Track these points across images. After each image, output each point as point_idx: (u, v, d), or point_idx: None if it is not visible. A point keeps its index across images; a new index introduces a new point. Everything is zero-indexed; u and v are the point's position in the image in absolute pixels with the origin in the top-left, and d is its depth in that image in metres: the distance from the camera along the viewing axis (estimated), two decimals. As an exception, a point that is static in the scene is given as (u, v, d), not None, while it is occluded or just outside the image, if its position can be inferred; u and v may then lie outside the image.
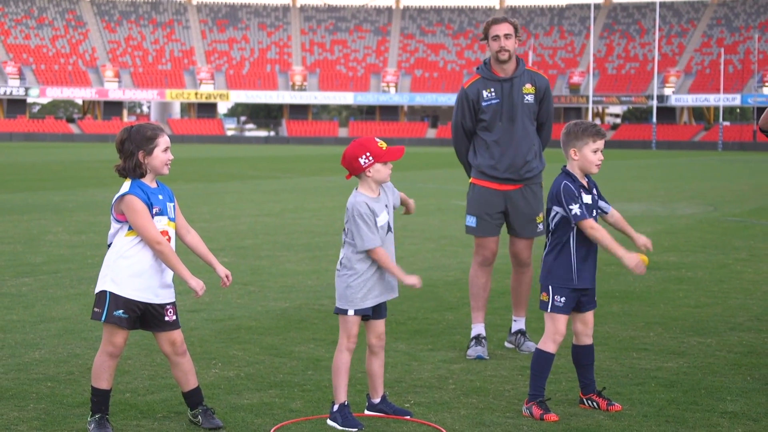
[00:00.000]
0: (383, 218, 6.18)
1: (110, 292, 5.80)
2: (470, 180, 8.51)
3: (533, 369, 6.49)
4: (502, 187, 8.30)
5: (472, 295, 8.47)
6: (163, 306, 5.91)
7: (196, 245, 6.11)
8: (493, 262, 8.48)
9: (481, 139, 8.33)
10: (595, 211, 6.49)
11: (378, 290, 6.19)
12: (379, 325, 6.32)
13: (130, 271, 5.80)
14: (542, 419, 6.28)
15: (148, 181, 5.89)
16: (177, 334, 5.98)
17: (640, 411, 6.46)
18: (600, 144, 6.43)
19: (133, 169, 5.85)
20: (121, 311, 5.80)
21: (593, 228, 6.34)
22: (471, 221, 8.43)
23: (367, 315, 6.21)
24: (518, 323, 8.47)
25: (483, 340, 8.17)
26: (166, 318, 5.93)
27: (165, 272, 5.90)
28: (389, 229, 6.24)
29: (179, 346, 5.99)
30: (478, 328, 8.27)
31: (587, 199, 6.43)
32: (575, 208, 6.33)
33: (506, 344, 8.45)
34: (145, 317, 5.90)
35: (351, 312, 6.17)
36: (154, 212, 5.81)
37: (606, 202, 6.64)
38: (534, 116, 8.33)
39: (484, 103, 8.22)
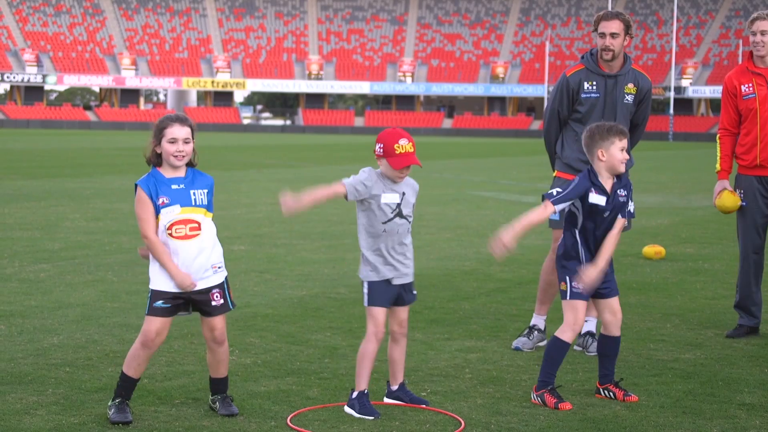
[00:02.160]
0: (391, 198, 6.16)
1: (151, 289, 5.90)
2: (555, 173, 8.14)
3: (547, 356, 6.51)
4: None
5: (541, 288, 8.18)
6: (207, 290, 5.94)
7: None
8: None
9: (573, 131, 8.01)
10: (607, 212, 6.43)
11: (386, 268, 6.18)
12: (401, 312, 6.32)
13: (158, 263, 5.87)
14: (557, 408, 6.29)
15: (169, 171, 5.91)
16: (219, 321, 5.99)
17: (657, 402, 6.46)
18: (625, 142, 6.45)
19: (151, 158, 5.93)
20: (161, 302, 5.87)
21: (545, 207, 6.36)
22: (555, 214, 8.16)
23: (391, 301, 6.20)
24: (588, 324, 8.04)
25: (535, 332, 8.05)
26: (213, 303, 5.97)
27: (207, 257, 5.91)
28: (399, 213, 6.19)
29: (219, 335, 6.01)
30: (538, 319, 8.13)
31: (598, 200, 6.40)
32: (554, 189, 6.44)
33: (576, 347, 7.99)
34: (192, 302, 5.95)
35: (365, 290, 6.15)
36: (159, 202, 5.84)
37: (624, 213, 6.53)
38: (630, 116, 8.06)
39: (583, 95, 7.93)
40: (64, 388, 6.51)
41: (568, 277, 6.48)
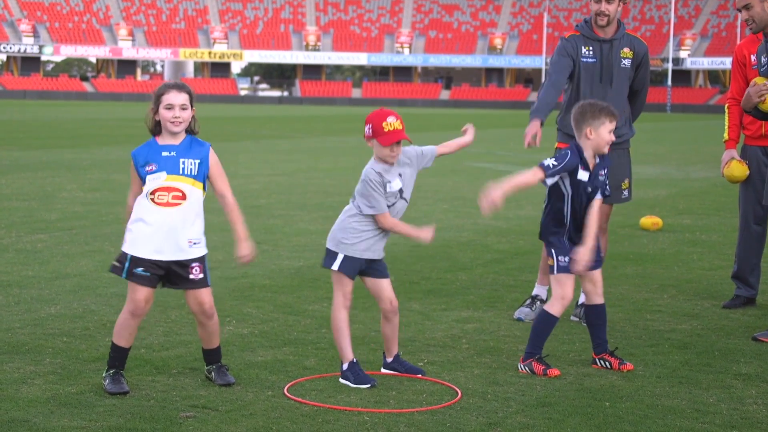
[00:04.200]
0: (395, 185, 6.17)
1: (129, 254, 5.86)
2: (556, 144, 8.09)
3: (535, 328, 6.54)
4: None
5: (543, 257, 8.13)
6: (187, 263, 5.91)
7: (228, 212, 6.04)
8: None
9: (573, 97, 7.99)
10: (589, 188, 6.44)
11: (371, 250, 6.19)
12: (385, 289, 6.29)
13: (146, 231, 5.83)
14: (545, 374, 6.34)
15: (166, 138, 5.91)
16: (205, 294, 5.97)
17: (654, 372, 6.47)
18: (614, 125, 6.44)
19: (152, 126, 5.94)
20: (140, 269, 5.84)
21: (534, 175, 6.34)
22: (546, 183, 8.01)
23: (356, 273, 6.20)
24: (583, 296, 7.91)
25: (538, 303, 8.03)
26: (191, 276, 5.92)
27: (187, 229, 5.88)
28: (401, 196, 6.21)
29: (208, 308, 5.98)
30: (540, 289, 8.14)
31: (583, 176, 6.42)
32: (550, 161, 6.39)
33: (572, 318, 7.98)
34: (169, 275, 5.91)
35: (339, 259, 6.14)
36: (147, 169, 5.83)
37: (602, 194, 6.53)
38: (629, 81, 8.08)
39: (582, 59, 7.96)
40: (62, 358, 6.52)
41: (554, 251, 6.50)
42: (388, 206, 6.16)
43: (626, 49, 8.03)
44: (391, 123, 6.09)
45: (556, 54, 8.09)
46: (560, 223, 6.51)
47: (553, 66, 8.08)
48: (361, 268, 6.23)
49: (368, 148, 6.21)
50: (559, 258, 6.49)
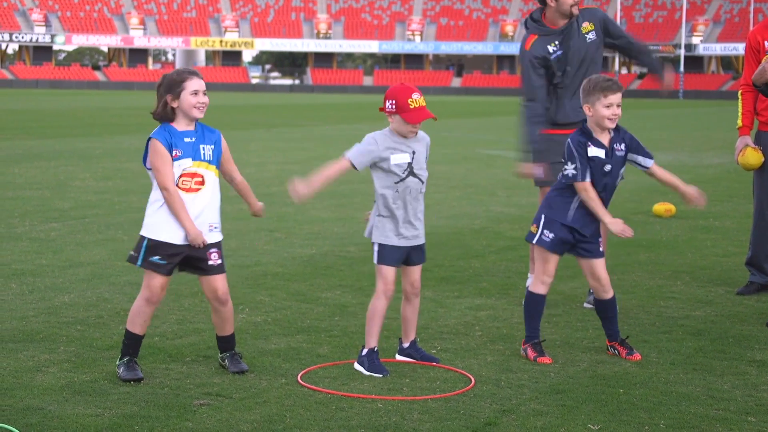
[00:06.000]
0: (401, 158, 6.12)
1: (147, 238, 5.87)
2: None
3: (525, 311, 6.54)
4: (564, 132, 7.81)
5: (532, 248, 8.10)
6: (206, 248, 5.92)
7: (241, 189, 6.19)
8: None
9: (551, 89, 7.92)
10: (608, 166, 6.39)
11: (395, 232, 6.16)
12: (413, 272, 6.30)
13: (166, 214, 5.84)
14: (536, 361, 6.35)
15: (182, 125, 5.91)
16: (220, 281, 5.99)
17: (668, 359, 6.46)
18: (613, 98, 6.32)
19: (162, 113, 5.90)
20: (157, 257, 5.85)
21: (585, 190, 6.34)
22: (539, 171, 7.92)
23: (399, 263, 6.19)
24: None
25: None
26: (210, 261, 5.95)
27: (208, 213, 5.91)
28: (411, 172, 6.14)
29: (222, 294, 6.00)
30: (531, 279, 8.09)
31: (597, 152, 6.36)
32: (570, 169, 6.35)
33: (585, 305, 7.97)
34: (187, 260, 5.93)
35: (375, 257, 6.16)
36: (173, 155, 5.83)
37: (646, 156, 6.50)
38: (601, 51, 7.94)
39: (552, 57, 7.83)
40: (76, 346, 6.53)
41: (543, 218, 6.48)
42: (395, 182, 6.11)
43: (585, 24, 7.91)
44: (417, 99, 6.07)
45: (529, 70, 7.87)
46: (570, 194, 6.40)
47: (529, 87, 7.89)
48: (403, 257, 6.21)
49: (380, 127, 6.20)
50: (545, 231, 6.45)
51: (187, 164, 5.86)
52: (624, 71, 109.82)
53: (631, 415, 5.37)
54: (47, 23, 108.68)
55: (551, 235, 6.44)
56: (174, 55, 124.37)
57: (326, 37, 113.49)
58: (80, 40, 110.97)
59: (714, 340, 6.92)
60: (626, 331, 6.94)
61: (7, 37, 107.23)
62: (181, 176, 5.85)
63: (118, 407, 5.37)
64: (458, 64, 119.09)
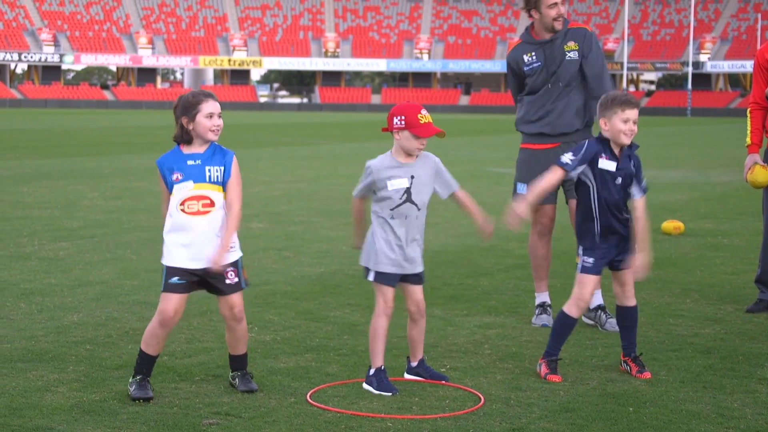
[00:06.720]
0: (399, 183, 6.13)
1: (165, 265, 5.92)
2: (520, 145, 8.24)
3: (554, 329, 6.55)
4: (546, 146, 7.98)
5: (533, 266, 8.22)
6: (222, 269, 5.93)
7: (228, 219, 5.94)
8: (552, 231, 8.19)
9: (526, 102, 8.13)
10: (619, 179, 6.40)
11: (390, 260, 6.17)
12: (415, 292, 6.30)
13: (179, 240, 5.88)
14: (545, 378, 6.36)
15: (195, 146, 5.93)
16: (237, 299, 6.01)
17: (677, 377, 6.44)
18: (630, 113, 6.35)
19: (180, 135, 5.94)
20: (176, 278, 5.89)
21: (553, 171, 6.42)
22: (521, 188, 8.07)
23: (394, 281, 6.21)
24: (596, 297, 7.88)
25: (548, 308, 8.04)
26: (227, 281, 5.97)
27: (216, 233, 5.93)
28: (408, 198, 6.14)
29: (237, 312, 6.02)
30: (542, 297, 8.11)
31: (608, 165, 6.38)
32: (567, 157, 6.40)
33: (584, 319, 7.96)
34: (205, 281, 5.95)
35: (371, 276, 6.19)
36: (173, 178, 5.87)
37: (639, 189, 6.49)
38: (580, 72, 8.02)
39: (526, 68, 8.04)
40: (85, 366, 6.54)
41: (581, 250, 6.50)
42: (390, 209, 6.12)
43: (571, 43, 8.02)
44: (425, 116, 6.12)
45: (508, 73, 8.35)
46: (590, 218, 6.47)
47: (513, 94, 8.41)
48: (400, 277, 6.24)
49: (387, 148, 6.21)
50: (585, 258, 6.47)
51: (188, 187, 5.87)
52: (632, 88, 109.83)
53: (641, 434, 5.35)
54: (56, 43, 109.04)
55: (591, 260, 6.47)
56: (182, 74, 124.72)
57: (334, 55, 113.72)
58: (89, 60, 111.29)
59: (723, 358, 6.91)
60: (636, 349, 6.91)
61: (16, 56, 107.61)
62: (185, 200, 5.87)
63: (127, 427, 5.37)
64: (466, 82, 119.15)
